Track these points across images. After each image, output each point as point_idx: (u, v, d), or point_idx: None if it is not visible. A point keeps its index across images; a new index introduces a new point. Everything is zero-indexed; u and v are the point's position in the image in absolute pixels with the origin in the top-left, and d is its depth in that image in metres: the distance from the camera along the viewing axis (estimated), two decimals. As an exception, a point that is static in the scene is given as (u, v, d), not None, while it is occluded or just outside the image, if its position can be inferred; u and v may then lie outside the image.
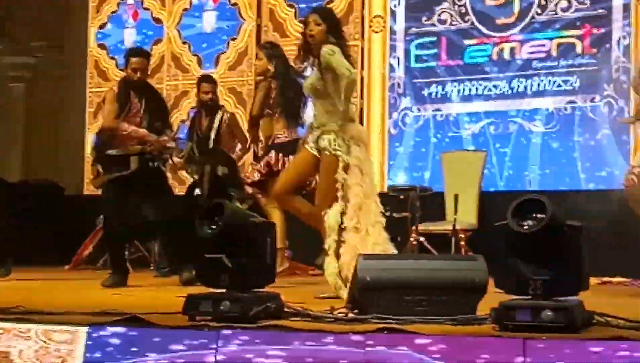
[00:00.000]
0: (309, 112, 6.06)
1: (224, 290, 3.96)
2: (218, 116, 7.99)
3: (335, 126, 5.46)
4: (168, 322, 3.88)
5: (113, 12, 10.85)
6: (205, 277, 4.06)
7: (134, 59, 6.79)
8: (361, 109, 9.45)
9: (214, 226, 3.93)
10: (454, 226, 7.96)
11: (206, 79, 8.23)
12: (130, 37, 10.67)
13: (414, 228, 8.09)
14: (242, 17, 10.13)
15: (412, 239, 8.05)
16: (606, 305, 4.72)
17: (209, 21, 10.31)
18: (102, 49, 10.82)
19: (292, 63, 6.84)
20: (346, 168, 5.41)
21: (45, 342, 3.85)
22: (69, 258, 8.96)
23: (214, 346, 3.65)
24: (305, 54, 5.70)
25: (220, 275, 3.96)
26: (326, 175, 5.45)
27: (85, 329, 3.84)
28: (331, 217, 5.38)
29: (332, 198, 5.41)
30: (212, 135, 7.95)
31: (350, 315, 4.08)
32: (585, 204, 7.07)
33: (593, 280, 6.84)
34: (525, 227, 3.65)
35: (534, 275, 3.66)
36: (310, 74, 5.72)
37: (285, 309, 4.08)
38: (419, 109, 9.28)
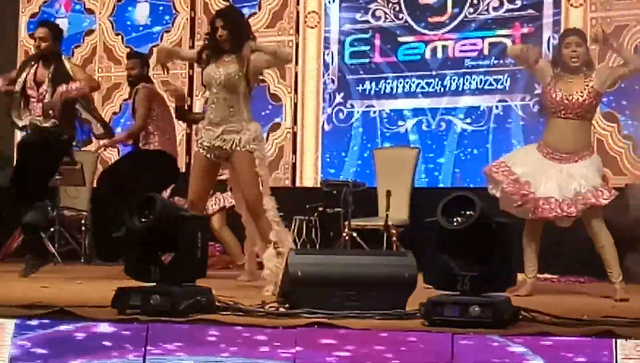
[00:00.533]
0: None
1: (154, 284, 3.95)
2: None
3: (239, 124, 5.66)
4: (97, 315, 3.86)
5: (45, 2, 10.68)
6: (135, 271, 4.04)
7: (38, 30, 6.97)
8: (295, 105, 9.47)
9: (144, 220, 3.91)
10: (385, 221, 8.01)
11: (128, 55, 8.06)
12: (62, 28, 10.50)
13: (346, 223, 8.14)
14: (176, 10, 10.06)
15: (344, 234, 8.10)
16: (535, 301, 4.84)
17: (142, 13, 10.22)
18: (32, 39, 10.63)
19: None
20: (261, 163, 5.65)
21: (-30, 335, 3.80)
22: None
23: (144, 339, 3.64)
24: (215, 54, 5.77)
25: (150, 269, 3.94)
26: (248, 169, 5.61)
27: (12, 321, 3.79)
28: (272, 211, 5.58)
29: (258, 188, 5.61)
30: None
31: (281, 309, 4.09)
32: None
33: (522, 277, 7.02)
34: (455, 224, 3.71)
35: (462, 271, 3.73)
36: (217, 68, 5.74)
37: (217, 303, 4.08)
38: (352, 105, 9.32)
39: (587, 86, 5.72)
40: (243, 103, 5.72)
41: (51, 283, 6.02)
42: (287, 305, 4.12)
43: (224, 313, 3.95)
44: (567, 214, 5.60)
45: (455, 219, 3.72)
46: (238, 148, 5.63)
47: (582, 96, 5.69)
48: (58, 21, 10.32)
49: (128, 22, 10.29)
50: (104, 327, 3.74)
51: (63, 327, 3.78)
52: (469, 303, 3.61)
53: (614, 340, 3.34)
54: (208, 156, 5.74)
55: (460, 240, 3.73)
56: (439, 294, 3.77)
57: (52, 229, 9.13)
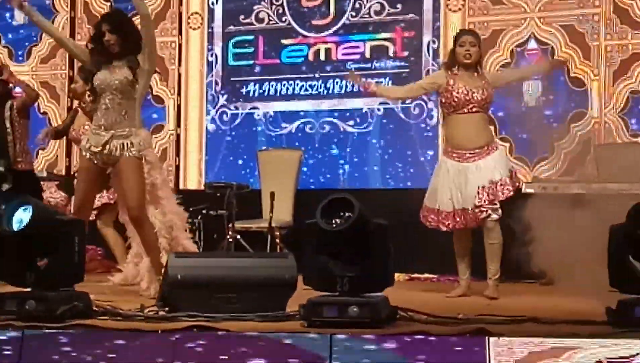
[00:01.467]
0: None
1: (30, 289, 3.87)
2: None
3: (129, 130, 5.59)
4: (-31, 322, 3.76)
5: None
6: (10, 276, 3.95)
7: None
8: (178, 107, 9.40)
9: (19, 224, 3.83)
10: (269, 223, 8.02)
11: None
12: (21, 15, 10.17)
13: (230, 225, 8.11)
14: (55, 9, 9.86)
15: (228, 236, 8.07)
16: (415, 300, 4.92)
17: (20, 13, 9.97)
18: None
19: None
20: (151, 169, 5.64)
21: None
22: None
23: (18, 346, 3.56)
24: (105, 58, 5.66)
25: (25, 274, 3.87)
26: (134, 176, 5.52)
27: None
28: (159, 217, 5.68)
29: (144, 195, 5.56)
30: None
31: (161, 313, 4.06)
32: (395, 203, 7.29)
33: (402, 276, 7.13)
34: (334, 225, 3.75)
35: (341, 272, 3.77)
36: (110, 73, 5.65)
37: (95, 308, 4.03)
38: (236, 107, 9.31)
39: (484, 82, 5.94)
40: (137, 109, 5.68)
41: None
42: (166, 309, 4.09)
43: (102, 318, 3.90)
44: (464, 226, 5.86)
45: (334, 221, 3.76)
46: (125, 153, 5.54)
47: (483, 90, 5.89)
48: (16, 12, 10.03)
49: (5, 22, 10.04)
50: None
51: None
52: (348, 303, 3.65)
53: (487, 338, 3.42)
54: (95, 161, 5.61)
55: (339, 241, 3.78)
56: (319, 295, 3.80)
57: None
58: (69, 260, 3.94)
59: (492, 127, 8.33)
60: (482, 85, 5.92)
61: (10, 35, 10.02)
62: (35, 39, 9.89)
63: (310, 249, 3.86)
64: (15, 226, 3.86)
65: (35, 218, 3.83)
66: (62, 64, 9.78)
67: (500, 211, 5.81)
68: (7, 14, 10.03)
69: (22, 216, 3.86)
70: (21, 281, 3.89)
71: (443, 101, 5.98)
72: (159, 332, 3.60)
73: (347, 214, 3.76)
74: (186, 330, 3.62)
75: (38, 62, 9.86)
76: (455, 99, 5.89)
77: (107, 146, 5.55)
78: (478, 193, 5.78)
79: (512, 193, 5.83)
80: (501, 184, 5.80)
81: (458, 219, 5.86)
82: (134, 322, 3.83)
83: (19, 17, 9.96)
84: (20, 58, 9.94)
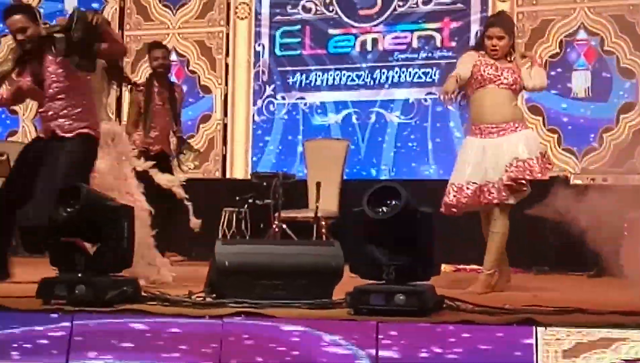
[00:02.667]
0: None
1: (79, 274, 3.92)
2: None
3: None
4: (21, 306, 3.82)
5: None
6: (60, 261, 4.00)
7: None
8: (225, 96, 9.44)
9: (70, 209, 3.88)
10: (315, 213, 8.04)
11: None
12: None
13: (276, 215, 8.14)
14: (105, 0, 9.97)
15: (274, 226, 8.10)
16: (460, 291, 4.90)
17: (70, 2, 10.08)
18: None
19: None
20: None
21: None
22: None
23: (68, 329, 3.61)
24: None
25: (75, 259, 3.91)
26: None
27: None
28: None
29: None
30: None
31: (208, 299, 4.09)
32: (440, 192, 7.26)
33: (448, 268, 7.11)
34: (380, 213, 3.74)
35: (387, 261, 3.76)
36: None
37: (143, 293, 4.07)
38: (283, 97, 9.34)
39: (514, 65, 5.56)
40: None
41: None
42: (213, 295, 4.12)
43: (151, 303, 3.94)
44: (486, 202, 5.42)
45: (380, 209, 3.76)
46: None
47: (512, 72, 5.51)
48: None
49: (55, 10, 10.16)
50: (29, 317, 3.71)
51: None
52: (394, 291, 3.65)
53: (534, 328, 3.41)
54: None
55: (386, 229, 3.77)
56: (365, 283, 3.80)
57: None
58: (118, 246, 3.98)
59: (539, 118, 8.34)
60: (512, 67, 5.54)
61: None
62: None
63: (357, 237, 3.86)
64: (65, 213, 3.90)
65: (85, 204, 3.88)
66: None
67: (512, 198, 5.39)
68: (59, 5, 10.15)
69: (72, 202, 3.90)
70: (71, 266, 3.94)
71: (472, 80, 5.53)
72: (206, 317, 3.63)
73: (393, 202, 3.75)
74: (233, 316, 3.64)
75: None
76: (484, 74, 5.50)
77: None
78: (499, 171, 5.36)
79: (539, 175, 5.38)
80: (527, 164, 5.35)
81: (465, 197, 5.46)
82: (181, 307, 3.86)
83: (69, 6, 10.06)
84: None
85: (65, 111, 5.25)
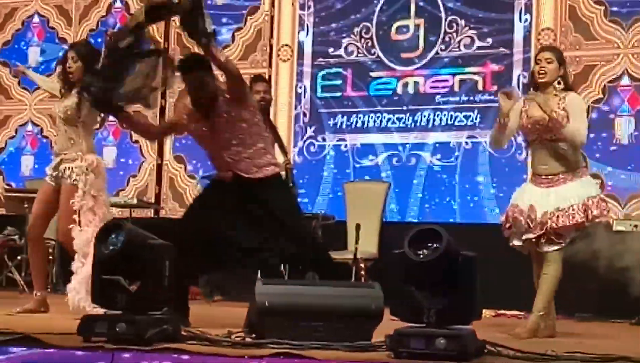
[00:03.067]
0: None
1: (119, 312, 3.93)
2: None
3: (75, 154, 5.89)
4: (62, 343, 3.83)
5: (17, 30, 10.68)
6: (101, 298, 4.02)
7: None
8: (267, 137, 9.48)
9: (112, 247, 3.91)
10: (354, 255, 8.02)
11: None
12: (34, 56, 10.54)
13: (314, 256, 8.11)
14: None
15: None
16: (501, 336, 4.85)
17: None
18: (5, 67, 10.64)
19: None
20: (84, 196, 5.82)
21: None
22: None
23: (108, 368, 3.62)
24: (66, 85, 6.04)
25: (116, 296, 3.93)
26: (66, 202, 5.83)
27: (-25, 348, 3.76)
28: (78, 242, 5.79)
29: (72, 222, 5.81)
30: None
31: (248, 339, 4.08)
32: (480, 237, 7.22)
33: (488, 312, 7.05)
34: (421, 256, 3.73)
35: (428, 304, 3.73)
36: (61, 102, 6.01)
37: (183, 332, 4.07)
38: (324, 139, 9.37)
39: (560, 103, 5.39)
40: (83, 135, 5.92)
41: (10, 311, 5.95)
42: (253, 335, 4.12)
43: (190, 342, 3.94)
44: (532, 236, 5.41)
45: (421, 252, 3.74)
46: (67, 180, 5.88)
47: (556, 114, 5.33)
48: (30, 50, 10.40)
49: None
50: (69, 355, 3.72)
51: (28, 354, 3.75)
52: (435, 335, 3.62)
53: (578, 374, 3.36)
54: (52, 183, 6.00)
55: (427, 272, 3.74)
56: (405, 326, 3.78)
57: (19, 257, 9.08)
58: (159, 284, 4.00)
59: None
60: (557, 106, 5.35)
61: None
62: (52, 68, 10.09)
63: (397, 279, 3.84)
64: (107, 250, 3.93)
65: (127, 242, 3.90)
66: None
67: (561, 242, 5.36)
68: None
69: (114, 240, 3.93)
70: (112, 304, 3.96)
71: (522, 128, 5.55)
72: (245, 357, 3.62)
73: (434, 245, 3.74)
74: (272, 357, 3.63)
75: (133, 92, 10.06)
76: (523, 130, 5.52)
77: (57, 169, 5.95)
78: (543, 219, 5.36)
79: (581, 220, 5.32)
80: (570, 211, 5.33)
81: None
82: (221, 347, 3.85)
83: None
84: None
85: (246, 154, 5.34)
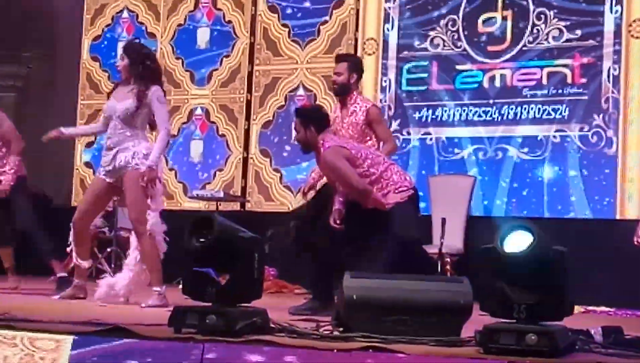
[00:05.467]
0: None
1: (210, 304, 3.98)
2: None
3: (131, 144, 6.08)
4: (153, 334, 3.89)
5: (107, 26, 10.88)
6: (192, 291, 4.07)
7: None
8: (351, 131, 9.48)
9: (202, 240, 3.95)
10: (440, 250, 7.97)
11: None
12: (123, 51, 10.71)
13: (400, 250, 8.09)
14: (236, 35, 10.18)
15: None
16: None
17: (203, 37, 10.35)
18: (95, 62, 10.85)
19: None
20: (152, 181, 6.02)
21: (30, 349, 3.85)
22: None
23: (198, 358, 3.66)
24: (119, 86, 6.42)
25: (207, 289, 3.97)
26: (134, 188, 6.00)
27: (70, 338, 3.84)
28: (154, 226, 6.07)
29: (146, 207, 6.03)
30: None
31: (336, 332, 4.09)
32: (567, 231, 7.12)
33: (577, 308, 6.93)
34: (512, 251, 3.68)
35: (518, 299, 3.69)
36: (117, 101, 6.20)
37: (271, 325, 4.10)
38: (408, 133, 9.33)
39: None
40: (140, 130, 6.15)
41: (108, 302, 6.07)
42: (341, 329, 4.12)
43: (279, 335, 3.96)
44: None
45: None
46: (129, 167, 6.04)
47: None
48: (120, 45, 10.57)
49: (188, 47, 10.43)
50: (160, 345, 3.77)
51: (119, 344, 3.82)
52: (526, 331, 3.57)
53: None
54: (107, 179, 6.18)
55: (518, 267, 3.70)
56: (495, 321, 3.74)
57: (109, 249, 9.26)
58: (248, 277, 4.03)
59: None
60: None
61: (192, 59, 10.38)
62: (216, 63, 10.22)
63: (487, 274, 3.80)
64: (198, 243, 3.97)
65: (217, 235, 3.94)
66: (241, 87, 10.06)
67: None
68: (193, 40, 10.41)
69: (205, 233, 3.97)
70: (202, 296, 4.00)
71: None
72: (334, 350, 3.62)
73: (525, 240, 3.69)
74: (361, 351, 3.63)
75: (218, 86, 10.18)
76: None
77: (114, 162, 6.10)
78: None
79: None
80: None
81: None
82: (309, 339, 3.87)
83: (202, 42, 10.33)
84: (201, 81, 10.29)
85: None
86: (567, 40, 8.73)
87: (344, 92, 6.39)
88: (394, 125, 9.33)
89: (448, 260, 8.06)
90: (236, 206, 9.76)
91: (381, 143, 6.37)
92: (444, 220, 8.00)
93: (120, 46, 6.71)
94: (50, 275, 7.72)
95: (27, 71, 11.07)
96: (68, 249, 6.45)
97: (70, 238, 6.35)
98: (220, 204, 9.36)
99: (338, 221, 5.79)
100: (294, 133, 6.22)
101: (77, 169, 10.72)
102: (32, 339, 3.88)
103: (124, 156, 6.08)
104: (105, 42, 10.86)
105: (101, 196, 6.31)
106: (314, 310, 5.75)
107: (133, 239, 6.24)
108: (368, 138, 6.35)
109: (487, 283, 3.79)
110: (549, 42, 8.81)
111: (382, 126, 6.58)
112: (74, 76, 10.81)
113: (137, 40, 7.31)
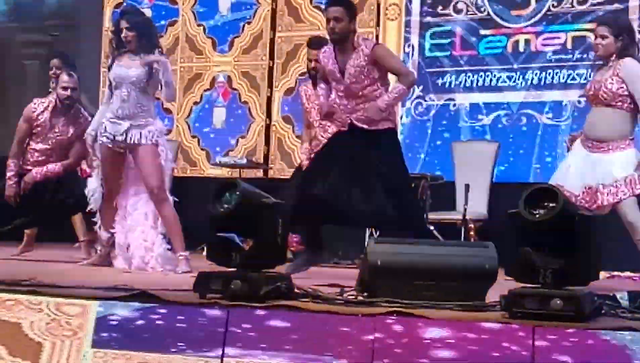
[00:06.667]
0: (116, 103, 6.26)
1: (234, 269, 3.99)
2: None
3: (145, 121, 6.17)
4: (178, 299, 3.91)
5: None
6: (216, 256, 4.08)
7: None
8: (374, 97, 9.44)
9: (226, 205, 3.95)
10: (464, 216, 7.96)
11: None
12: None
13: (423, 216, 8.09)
14: (257, 1, 10.12)
15: (422, 226, 8.04)
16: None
17: (224, 4, 10.30)
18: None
19: None
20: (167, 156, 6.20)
21: (56, 314, 3.88)
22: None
23: (223, 323, 3.68)
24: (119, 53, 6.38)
25: (231, 254, 3.98)
26: (152, 160, 6.11)
27: (96, 303, 3.87)
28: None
29: (162, 180, 6.14)
30: None
31: (360, 297, 4.10)
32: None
33: (602, 274, 6.91)
34: (537, 216, 3.66)
35: (544, 264, 3.68)
36: (126, 68, 6.22)
37: (296, 290, 4.11)
38: (431, 98, 9.28)
39: (616, 74, 5.81)
40: (151, 101, 6.24)
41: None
42: (365, 294, 4.13)
43: (303, 300, 3.97)
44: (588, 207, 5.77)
45: (537, 212, 3.67)
46: (143, 141, 6.10)
47: (610, 83, 5.81)
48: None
49: (209, 13, 10.39)
50: (184, 310, 3.79)
51: (144, 309, 3.84)
52: (551, 296, 3.56)
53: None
54: (112, 147, 6.22)
55: (543, 232, 3.68)
56: (520, 286, 3.73)
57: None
58: (271, 242, 4.03)
59: None
60: (612, 76, 5.83)
61: (213, 26, 10.35)
62: (237, 30, 10.18)
63: (512, 240, 3.79)
64: (222, 208, 3.97)
65: (241, 201, 3.94)
66: (263, 54, 10.03)
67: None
68: (214, 7, 10.37)
69: (228, 198, 3.97)
70: (227, 262, 4.01)
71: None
72: (360, 315, 3.63)
73: (550, 204, 3.67)
74: (385, 315, 3.63)
75: (240, 53, 10.15)
76: (586, 93, 6.10)
77: (126, 134, 6.14)
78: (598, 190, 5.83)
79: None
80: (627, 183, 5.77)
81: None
82: (334, 305, 3.87)
83: (223, 9, 10.29)
84: (222, 47, 10.26)
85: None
86: (592, 5, 8.63)
87: (345, 39, 6.02)
88: (417, 91, 9.27)
89: (472, 226, 8.04)
90: (259, 174, 9.76)
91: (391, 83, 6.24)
92: (467, 186, 7.98)
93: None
94: (75, 242, 7.78)
95: (51, 39, 11.06)
96: (95, 219, 6.55)
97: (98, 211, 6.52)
98: (243, 172, 9.37)
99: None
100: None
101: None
102: (58, 304, 3.91)
103: (138, 132, 6.15)
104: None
105: (117, 164, 6.35)
106: (308, 262, 5.98)
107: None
108: (375, 84, 6.02)
109: (511, 249, 3.78)
110: (573, 7, 8.71)
111: (395, 58, 6.47)
112: (97, 44, 10.79)
113: (133, 7, 7.24)
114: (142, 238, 6.21)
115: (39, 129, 7.05)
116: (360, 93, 5.95)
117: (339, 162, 5.88)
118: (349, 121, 5.97)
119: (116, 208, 6.40)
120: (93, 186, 6.53)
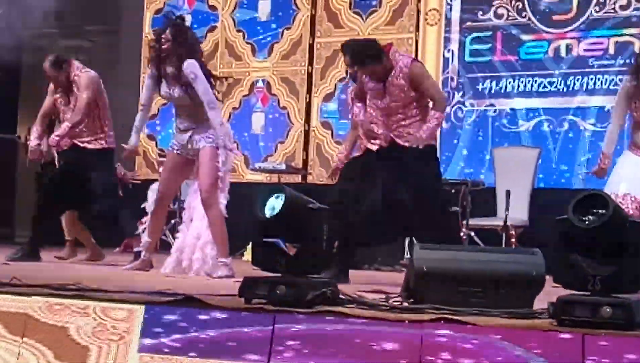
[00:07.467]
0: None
1: (279, 275, 3.97)
2: None
3: (205, 130, 6.17)
4: (224, 304, 3.90)
5: (169, -2, 10.92)
6: (262, 261, 4.07)
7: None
8: (414, 103, 9.41)
9: (272, 211, 3.94)
10: (504, 222, 7.91)
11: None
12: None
13: (464, 222, 8.06)
14: (297, 7, 10.14)
15: (462, 233, 8.02)
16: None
17: (263, 10, 10.33)
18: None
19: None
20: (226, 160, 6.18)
21: (103, 318, 3.89)
22: (119, 241, 9.00)
23: (269, 329, 3.67)
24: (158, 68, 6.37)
25: (276, 259, 3.97)
26: (209, 160, 6.11)
27: (142, 307, 3.87)
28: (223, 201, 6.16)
29: (216, 180, 6.12)
30: None
31: (406, 304, 4.07)
32: None
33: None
34: (587, 222, 3.62)
35: (593, 271, 3.63)
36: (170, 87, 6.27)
37: (341, 296, 4.08)
38: (472, 104, 9.24)
39: None
40: (202, 108, 6.15)
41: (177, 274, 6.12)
42: (411, 300, 4.10)
43: (349, 306, 3.95)
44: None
45: (587, 218, 3.63)
46: (202, 144, 6.15)
47: None
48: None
49: (249, 19, 10.41)
50: (230, 315, 3.79)
51: (190, 314, 3.84)
52: (601, 303, 3.51)
53: None
54: (179, 153, 6.33)
55: (592, 239, 3.64)
56: (569, 293, 3.68)
57: (172, 221, 9.32)
58: (317, 248, 4.01)
59: None
60: None
61: (253, 32, 10.38)
62: (277, 35, 10.20)
63: (560, 246, 3.74)
64: (268, 213, 3.96)
65: (287, 206, 3.93)
66: (302, 60, 10.04)
67: None
68: (254, 12, 10.39)
69: (274, 204, 3.96)
70: (272, 267, 4.00)
71: None
72: (406, 322, 3.60)
73: (600, 211, 3.62)
74: (432, 322, 3.61)
75: (279, 58, 10.17)
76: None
77: (190, 143, 6.22)
78: None
79: None
80: None
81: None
82: (380, 311, 3.85)
83: (262, 15, 10.31)
84: (262, 55, 10.28)
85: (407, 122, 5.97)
86: (635, 10, 8.55)
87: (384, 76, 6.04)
88: (457, 97, 9.25)
89: (512, 232, 7.98)
90: (297, 179, 9.77)
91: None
92: (508, 192, 7.93)
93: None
94: (116, 247, 7.82)
95: (91, 44, 11.14)
96: (143, 220, 6.62)
97: (149, 214, 6.59)
98: (281, 177, 9.37)
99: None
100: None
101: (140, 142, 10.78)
102: (104, 309, 3.92)
103: (199, 137, 6.20)
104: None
105: (178, 171, 6.41)
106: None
107: (193, 214, 6.32)
108: (414, 102, 6.02)
109: (560, 255, 3.73)
110: (616, 12, 8.63)
111: (430, 80, 6.23)
112: (137, 50, 10.86)
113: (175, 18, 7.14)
114: (196, 239, 6.24)
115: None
116: (401, 111, 5.99)
117: (377, 184, 5.97)
118: (390, 139, 6.02)
119: (165, 216, 6.55)
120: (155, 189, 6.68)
